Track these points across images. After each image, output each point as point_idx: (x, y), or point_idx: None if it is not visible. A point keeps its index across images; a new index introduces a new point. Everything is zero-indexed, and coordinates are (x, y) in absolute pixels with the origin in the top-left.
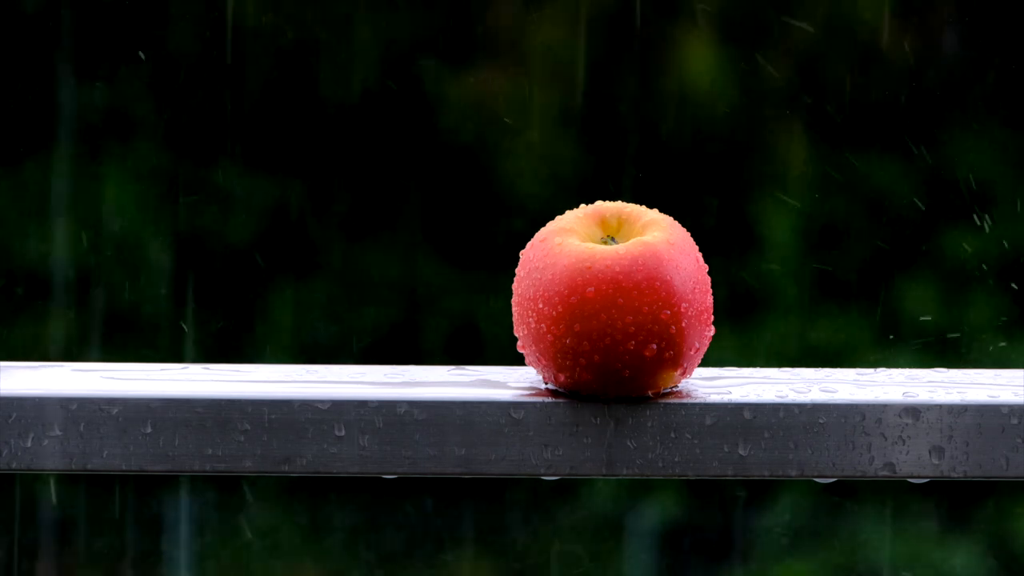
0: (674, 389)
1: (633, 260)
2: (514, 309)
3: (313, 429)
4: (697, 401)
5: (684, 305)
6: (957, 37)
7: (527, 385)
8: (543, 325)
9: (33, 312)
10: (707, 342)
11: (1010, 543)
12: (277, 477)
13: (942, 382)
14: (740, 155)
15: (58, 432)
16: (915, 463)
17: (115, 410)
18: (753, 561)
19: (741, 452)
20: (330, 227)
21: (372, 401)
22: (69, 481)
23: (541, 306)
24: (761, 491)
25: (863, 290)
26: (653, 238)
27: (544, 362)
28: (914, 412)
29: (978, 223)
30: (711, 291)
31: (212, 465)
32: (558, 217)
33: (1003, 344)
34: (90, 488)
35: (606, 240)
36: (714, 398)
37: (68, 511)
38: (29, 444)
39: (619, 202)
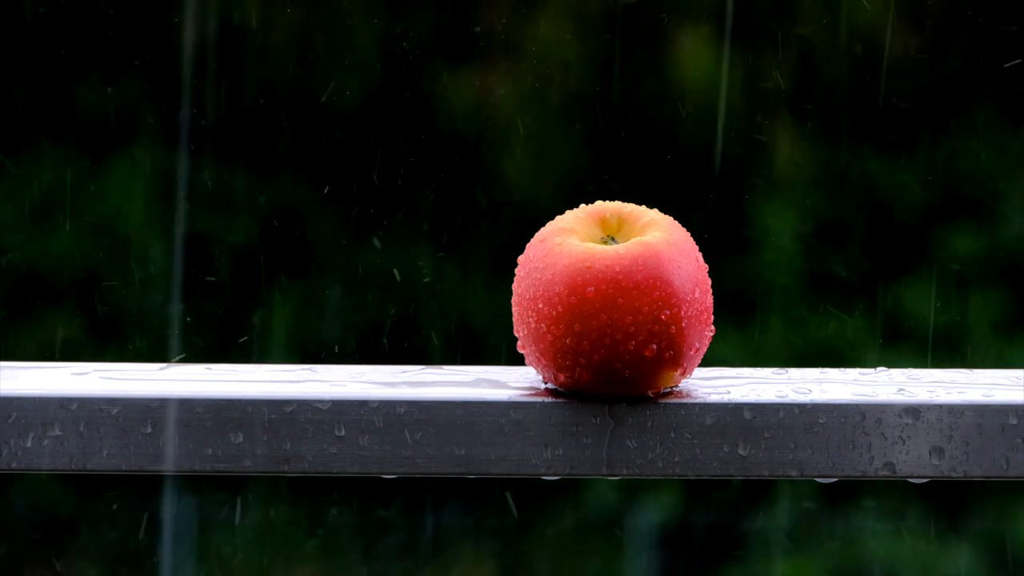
0: (674, 389)
1: (633, 260)
2: (514, 309)
3: (313, 429)
4: (697, 401)
5: (684, 305)
6: (957, 36)
7: (527, 385)
8: (543, 325)
9: (33, 312)
10: (707, 342)
11: (1010, 543)
12: (277, 477)
13: (942, 382)
14: (740, 155)
15: (58, 432)
16: (915, 463)
17: (115, 410)
18: (753, 561)
19: (741, 452)
20: (330, 227)
21: (372, 401)
22: (68, 481)
23: (541, 306)
24: (761, 491)
25: (863, 290)
26: (653, 238)
27: (544, 362)
28: (914, 412)
29: (978, 223)
30: (711, 291)
31: (212, 465)
32: (558, 217)
33: (1003, 344)
34: (89, 488)
35: (606, 240)
36: (714, 398)
37: (67, 511)
38: (29, 444)
39: (619, 202)
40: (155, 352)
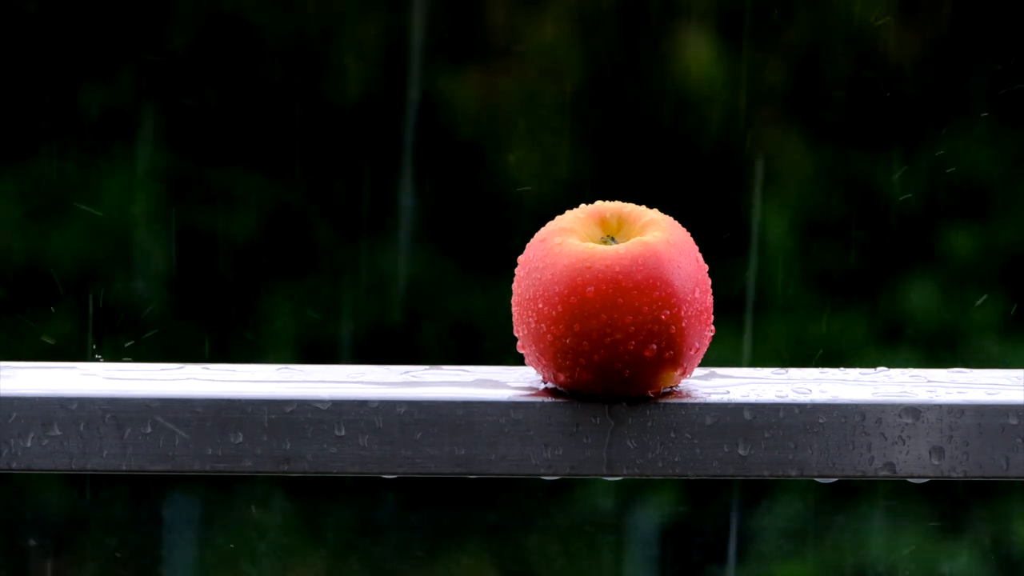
0: (674, 389)
1: (633, 260)
2: (514, 309)
3: (313, 429)
4: (697, 401)
5: (684, 305)
6: (956, 36)
7: (527, 385)
8: (543, 325)
9: (33, 312)
10: (707, 342)
11: (1010, 543)
12: (277, 477)
13: (942, 382)
14: (739, 154)
15: (58, 432)
16: (915, 463)
17: (115, 410)
18: (752, 561)
19: (741, 452)
20: (330, 227)
21: (372, 401)
22: (69, 481)
23: (541, 306)
24: (760, 491)
25: (863, 290)
26: (653, 238)
27: (544, 362)
28: (914, 412)
29: (978, 223)
30: (711, 291)
31: (212, 465)
32: (558, 217)
33: (1003, 344)
34: (89, 488)
35: (606, 240)
36: (714, 398)
37: (67, 511)
38: (29, 444)
39: (619, 202)
40: (154, 352)
